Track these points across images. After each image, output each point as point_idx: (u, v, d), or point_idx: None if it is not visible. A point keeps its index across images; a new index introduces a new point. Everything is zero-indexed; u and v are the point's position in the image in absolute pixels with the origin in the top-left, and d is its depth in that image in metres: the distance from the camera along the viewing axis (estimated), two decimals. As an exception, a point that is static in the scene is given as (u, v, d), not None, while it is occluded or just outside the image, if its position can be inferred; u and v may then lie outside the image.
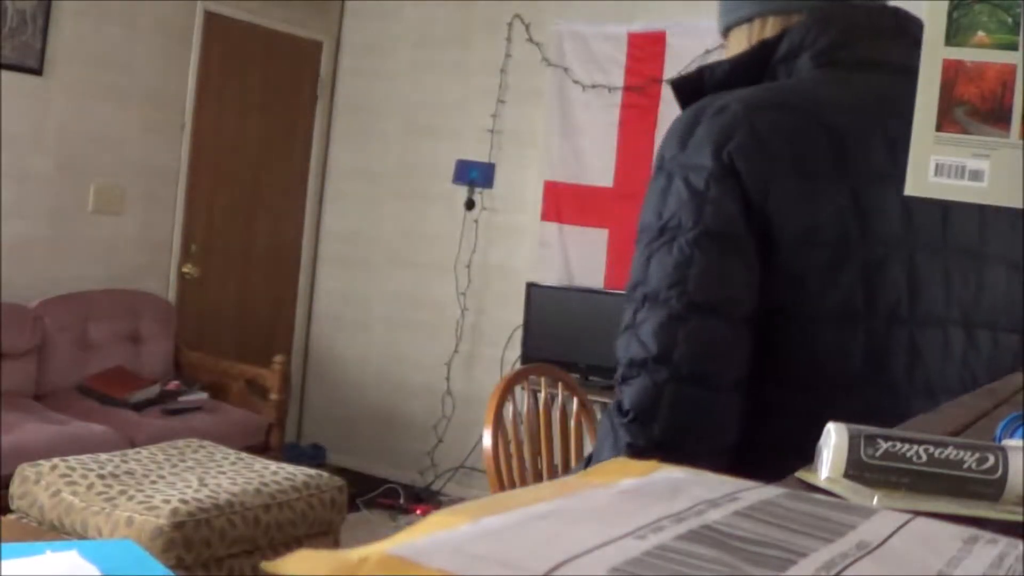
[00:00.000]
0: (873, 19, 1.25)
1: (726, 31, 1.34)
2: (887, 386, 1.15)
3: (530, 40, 5.17)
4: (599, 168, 4.99)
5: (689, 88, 1.25)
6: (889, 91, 1.09)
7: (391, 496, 5.14)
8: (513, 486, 2.45)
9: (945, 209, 1.19)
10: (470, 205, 5.30)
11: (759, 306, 1.13)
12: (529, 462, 2.61)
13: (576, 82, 5.02)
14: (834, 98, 1.19)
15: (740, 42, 1.31)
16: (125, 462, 3.42)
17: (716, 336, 1.10)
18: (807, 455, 1.10)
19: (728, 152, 1.11)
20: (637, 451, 1.10)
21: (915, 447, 0.62)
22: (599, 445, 1.17)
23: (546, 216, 5.11)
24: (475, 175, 5.31)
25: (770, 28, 1.28)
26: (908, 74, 0.94)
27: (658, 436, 1.10)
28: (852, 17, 1.24)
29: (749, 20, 1.29)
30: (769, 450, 1.09)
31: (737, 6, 1.30)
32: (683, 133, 1.16)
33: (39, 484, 3.26)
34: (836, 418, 1.14)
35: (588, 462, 1.25)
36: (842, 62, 1.21)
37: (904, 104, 0.94)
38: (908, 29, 1.22)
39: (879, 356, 1.15)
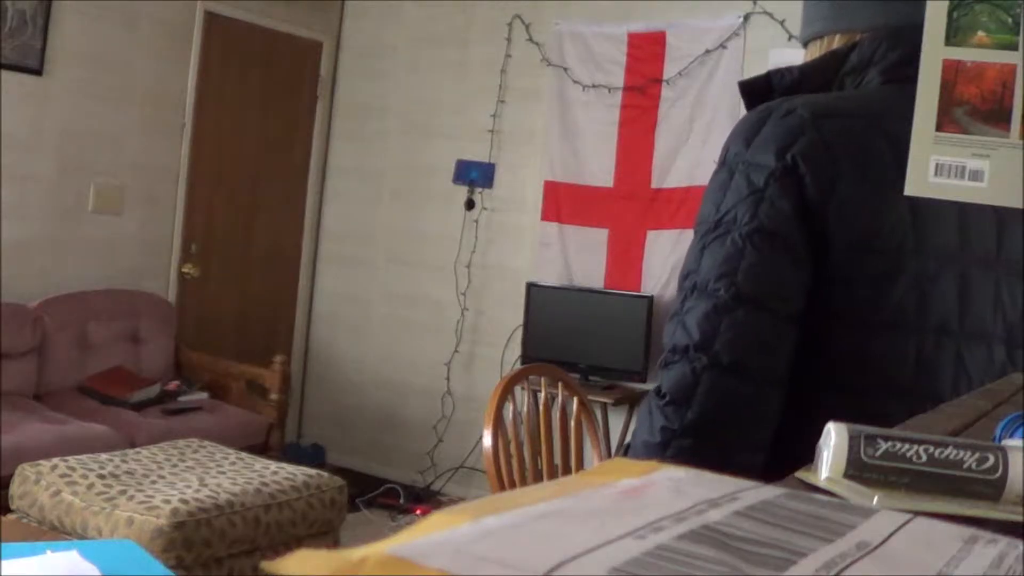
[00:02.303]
0: None
1: (805, 44, 1.37)
2: (932, 397, 1.16)
3: (530, 40, 5.17)
4: (599, 168, 4.99)
5: (757, 90, 1.28)
6: None
7: (391, 496, 5.14)
8: (513, 486, 2.45)
9: (1000, 224, 1.20)
10: (470, 205, 5.30)
11: (812, 308, 1.13)
12: (529, 462, 2.61)
13: (576, 82, 5.02)
14: (899, 110, 1.20)
15: (814, 55, 1.33)
16: (125, 462, 3.42)
17: (759, 330, 1.12)
18: None
19: (792, 155, 1.13)
20: (670, 434, 1.11)
21: (915, 447, 0.62)
22: (636, 428, 1.18)
23: (546, 216, 5.11)
24: (475, 175, 5.31)
25: (837, 44, 1.30)
26: None
27: (691, 421, 1.11)
28: (920, 35, 1.26)
29: (820, 36, 1.32)
30: (813, 454, 1.10)
31: (810, 21, 1.33)
32: (749, 132, 1.18)
33: (39, 484, 3.26)
34: (881, 425, 1.15)
35: (627, 450, 1.26)
36: (910, 78, 1.22)
37: None
38: None
39: (927, 367, 1.16)
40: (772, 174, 1.13)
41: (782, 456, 1.16)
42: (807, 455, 1.13)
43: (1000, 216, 1.20)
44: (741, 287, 1.11)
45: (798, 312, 1.13)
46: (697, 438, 1.11)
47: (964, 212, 1.12)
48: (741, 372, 1.11)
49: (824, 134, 1.15)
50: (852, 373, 1.16)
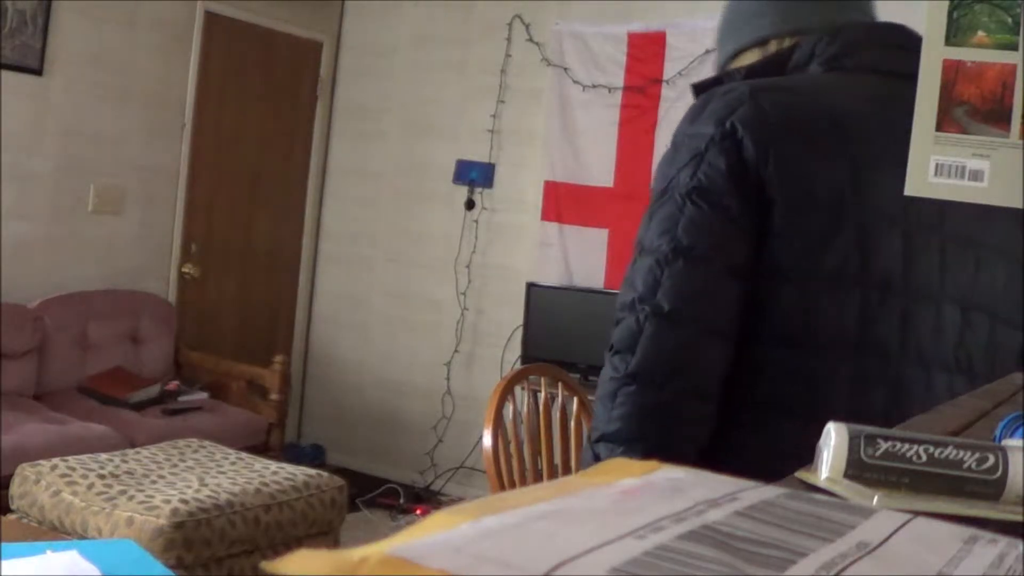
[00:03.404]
0: (879, 33, 1.33)
1: (737, 52, 1.40)
2: (879, 352, 1.20)
3: (530, 40, 5.17)
4: (599, 168, 4.99)
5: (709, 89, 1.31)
6: (890, 91, 1.18)
7: (391, 496, 5.14)
8: (513, 486, 2.45)
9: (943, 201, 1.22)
10: (470, 205, 5.31)
11: (758, 266, 1.17)
12: (529, 462, 2.61)
13: (576, 82, 5.02)
14: (837, 89, 1.27)
15: (752, 59, 1.38)
16: (125, 462, 3.42)
17: (699, 281, 1.16)
18: (798, 414, 1.13)
19: (731, 121, 1.18)
20: (617, 383, 1.16)
21: (915, 447, 0.62)
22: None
23: (546, 216, 5.11)
24: (475, 175, 5.31)
25: (786, 47, 1.36)
26: (909, 79, 1.03)
27: (634, 367, 1.15)
28: (859, 31, 1.32)
29: (765, 42, 1.36)
30: (763, 408, 1.14)
31: (756, 27, 1.37)
32: (694, 112, 1.24)
33: (39, 484, 3.26)
34: (828, 380, 1.17)
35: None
36: (847, 67, 1.29)
37: (904, 103, 1.02)
38: (910, 44, 1.27)
39: (872, 322, 1.19)
40: (711, 139, 1.18)
41: (737, 409, 1.19)
42: (753, 413, 1.16)
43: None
44: (680, 240, 1.16)
45: (738, 266, 1.17)
46: (640, 383, 1.15)
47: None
48: (680, 320, 1.15)
49: (762, 102, 1.20)
50: (795, 329, 1.19)
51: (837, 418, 0.64)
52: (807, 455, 0.59)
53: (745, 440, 1.19)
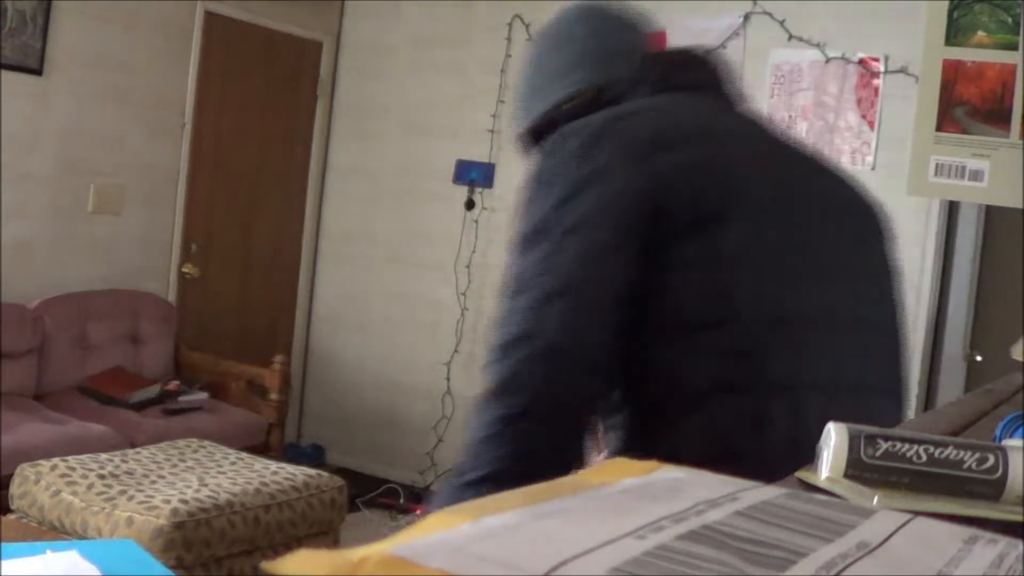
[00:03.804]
0: (687, 55, 1.43)
1: (548, 112, 1.40)
2: (764, 381, 1.19)
3: (530, 40, 5.16)
4: (599, 168, 4.98)
5: (539, 136, 1.34)
6: (723, 105, 1.31)
7: (391, 496, 5.14)
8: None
9: (822, 217, 1.29)
10: (470, 205, 5.30)
11: (636, 293, 1.17)
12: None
13: (576, 82, 5.02)
14: (684, 106, 1.31)
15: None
16: (125, 462, 3.42)
17: (584, 316, 1.15)
18: (675, 459, 1.13)
19: (600, 152, 1.18)
20: (505, 422, 1.14)
21: (915, 447, 0.62)
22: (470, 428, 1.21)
23: (546, 216, 5.10)
24: (475, 175, 5.31)
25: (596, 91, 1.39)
26: (723, 95, 1.25)
27: (524, 407, 1.13)
28: (673, 55, 1.43)
29: (575, 97, 1.38)
30: (642, 452, 1.15)
31: (569, 82, 1.39)
32: (554, 149, 1.23)
33: (39, 484, 3.26)
34: (711, 400, 1.17)
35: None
36: (678, 87, 1.34)
37: (744, 115, 1.24)
38: (710, 62, 1.40)
39: (755, 349, 1.19)
40: (584, 173, 1.18)
41: (637, 434, 1.20)
42: (658, 434, 1.16)
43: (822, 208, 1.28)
44: (562, 277, 1.15)
45: (623, 295, 1.16)
46: (524, 423, 1.13)
47: (784, 200, 1.20)
48: (567, 355, 1.14)
49: (623, 128, 1.21)
50: (661, 372, 1.19)
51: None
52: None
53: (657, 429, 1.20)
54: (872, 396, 1.26)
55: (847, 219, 1.35)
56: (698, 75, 1.38)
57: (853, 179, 1.41)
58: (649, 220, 1.15)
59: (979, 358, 4.35)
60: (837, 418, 0.66)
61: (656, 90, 1.33)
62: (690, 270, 1.17)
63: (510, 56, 5.22)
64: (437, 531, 0.34)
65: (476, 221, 5.29)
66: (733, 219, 1.18)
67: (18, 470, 3.34)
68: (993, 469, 0.62)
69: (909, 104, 3.98)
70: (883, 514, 0.44)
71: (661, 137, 1.20)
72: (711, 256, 1.17)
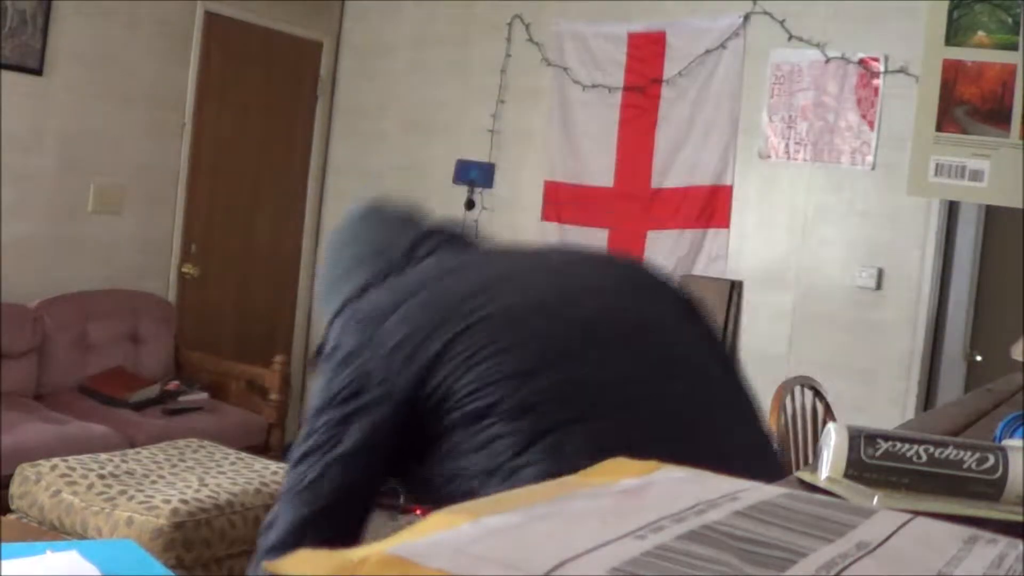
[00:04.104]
0: (443, 224, 1.55)
1: (344, 304, 1.48)
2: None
3: (530, 40, 5.17)
4: (599, 168, 4.99)
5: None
6: (488, 253, 1.49)
7: (391, 496, 5.13)
8: (513, 486, 2.45)
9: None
10: (470, 205, 5.30)
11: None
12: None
13: (576, 82, 5.02)
14: (457, 266, 1.41)
15: None
16: (125, 462, 3.42)
17: (354, 489, 1.32)
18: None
19: (375, 334, 1.29)
20: (299, 521, 1.29)
21: (915, 447, 0.62)
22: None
23: (546, 216, 5.11)
24: (475, 175, 5.31)
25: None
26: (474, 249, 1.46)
27: (309, 507, 1.29)
28: (440, 225, 1.54)
29: (368, 287, 1.46)
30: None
31: (358, 276, 1.49)
32: (339, 338, 1.33)
33: (39, 484, 3.26)
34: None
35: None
36: (446, 249, 1.47)
37: (512, 255, 1.45)
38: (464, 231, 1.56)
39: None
40: (363, 360, 1.28)
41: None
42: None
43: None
44: (345, 450, 1.28)
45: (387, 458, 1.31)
46: (322, 519, 1.29)
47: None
48: (351, 467, 1.30)
49: (397, 306, 1.31)
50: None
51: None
52: None
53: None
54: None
55: (638, 301, 1.42)
56: (461, 236, 1.51)
57: (637, 263, 1.57)
58: (419, 397, 1.26)
59: (979, 358, 4.35)
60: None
61: (429, 254, 1.46)
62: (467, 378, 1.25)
63: (510, 56, 5.22)
64: (437, 531, 0.34)
65: (476, 221, 5.29)
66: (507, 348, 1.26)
67: (18, 470, 3.34)
68: (993, 469, 0.62)
69: (909, 104, 3.98)
70: (883, 514, 0.44)
71: (445, 311, 1.29)
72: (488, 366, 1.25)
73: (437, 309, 1.29)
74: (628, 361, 1.30)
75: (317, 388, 1.33)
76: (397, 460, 1.32)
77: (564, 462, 1.15)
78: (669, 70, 4.84)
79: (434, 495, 1.29)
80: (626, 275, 1.48)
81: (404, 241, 1.48)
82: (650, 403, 1.27)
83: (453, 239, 1.49)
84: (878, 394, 4.36)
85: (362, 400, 1.27)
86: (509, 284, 1.34)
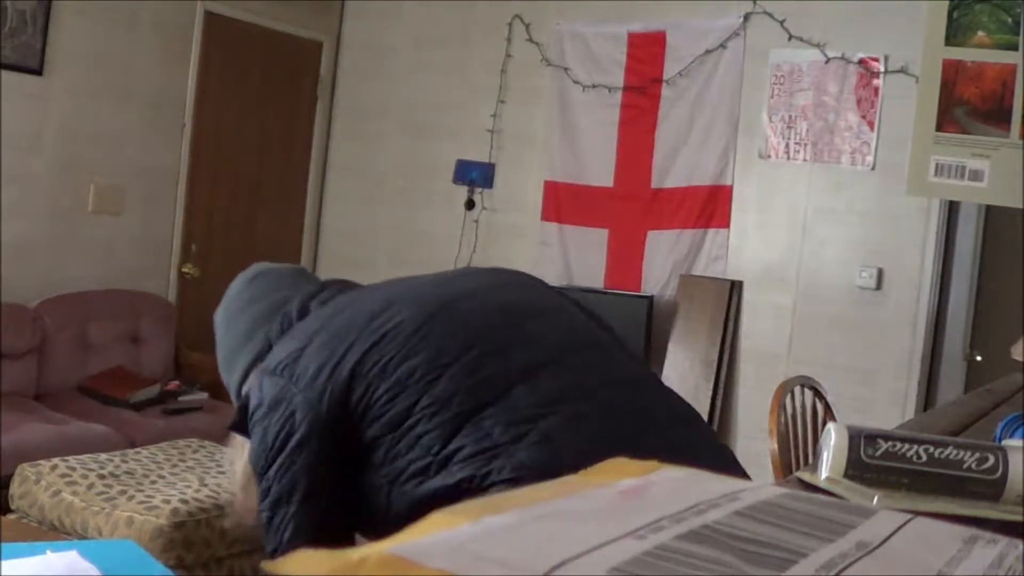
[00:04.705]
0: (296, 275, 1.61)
1: (247, 371, 1.54)
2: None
3: (530, 40, 5.17)
4: (599, 168, 4.99)
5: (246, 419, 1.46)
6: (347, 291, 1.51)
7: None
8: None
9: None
10: (470, 205, 5.31)
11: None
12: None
13: (576, 82, 5.02)
14: (341, 306, 1.45)
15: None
16: (125, 462, 3.42)
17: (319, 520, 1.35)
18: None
19: (293, 391, 1.34)
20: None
21: (915, 447, 0.62)
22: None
23: (546, 216, 5.11)
24: (475, 175, 5.31)
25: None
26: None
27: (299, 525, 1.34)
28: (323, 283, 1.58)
29: (269, 348, 1.50)
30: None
31: (256, 343, 1.53)
32: (259, 398, 1.38)
33: (39, 484, 3.25)
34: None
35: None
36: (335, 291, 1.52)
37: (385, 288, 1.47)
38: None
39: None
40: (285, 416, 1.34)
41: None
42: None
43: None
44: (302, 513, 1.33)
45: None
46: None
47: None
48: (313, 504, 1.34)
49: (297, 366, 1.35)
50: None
51: None
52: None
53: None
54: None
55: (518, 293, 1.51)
56: (339, 287, 1.55)
57: (508, 269, 1.66)
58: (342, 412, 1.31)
59: (979, 358, 4.35)
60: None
61: (320, 303, 1.50)
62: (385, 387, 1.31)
63: (510, 56, 5.22)
64: (437, 531, 0.34)
65: (476, 221, 5.29)
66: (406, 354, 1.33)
67: (18, 470, 3.33)
68: (993, 469, 0.62)
69: (909, 104, 3.98)
70: (883, 514, 0.44)
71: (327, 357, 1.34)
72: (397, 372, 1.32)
73: (344, 333, 1.35)
74: (528, 342, 1.38)
75: (255, 447, 1.37)
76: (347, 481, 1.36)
77: (487, 440, 1.23)
78: (669, 70, 4.84)
79: (381, 509, 1.33)
80: (503, 275, 1.59)
81: (300, 295, 1.52)
82: (553, 376, 1.34)
83: (346, 286, 1.54)
84: (878, 394, 4.36)
85: (296, 438, 1.31)
86: (406, 299, 1.40)
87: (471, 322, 1.38)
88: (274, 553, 1.34)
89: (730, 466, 1.38)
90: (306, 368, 1.33)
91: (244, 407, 1.45)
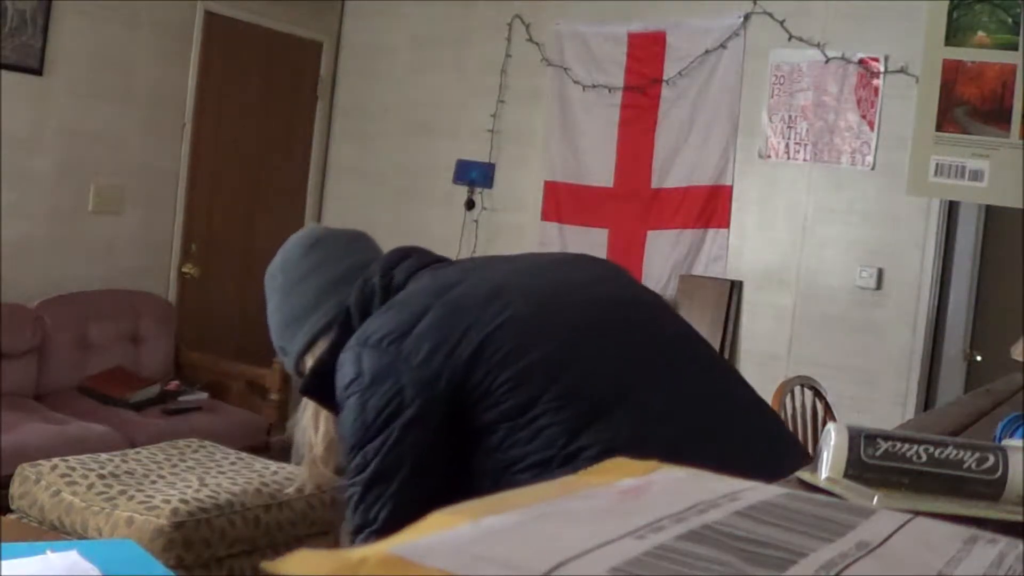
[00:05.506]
0: (402, 251, 1.53)
1: (310, 344, 1.51)
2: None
3: (530, 40, 5.17)
4: (599, 168, 4.99)
5: (321, 385, 1.42)
6: (447, 270, 1.44)
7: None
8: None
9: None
10: (470, 205, 5.30)
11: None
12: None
13: (576, 82, 5.02)
14: (446, 281, 1.41)
15: (324, 349, 1.47)
16: (125, 462, 3.42)
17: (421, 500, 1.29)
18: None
19: (398, 368, 1.31)
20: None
21: (915, 447, 0.62)
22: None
23: (546, 216, 5.10)
24: (475, 175, 5.31)
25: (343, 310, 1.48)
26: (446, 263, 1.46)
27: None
28: (397, 253, 1.52)
29: (331, 326, 1.47)
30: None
31: (322, 315, 1.51)
32: (352, 374, 1.33)
33: (39, 484, 3.26)
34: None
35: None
36: (421, 268, 1.47)
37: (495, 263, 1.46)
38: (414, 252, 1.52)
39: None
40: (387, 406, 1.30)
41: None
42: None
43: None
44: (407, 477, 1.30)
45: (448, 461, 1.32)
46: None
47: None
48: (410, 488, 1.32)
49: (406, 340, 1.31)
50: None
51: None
52: None
53: None
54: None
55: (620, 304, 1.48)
56: (420, 257, 1.51)
57: (603, 260, 1.64)
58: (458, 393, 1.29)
59: (979, 358, 4.35)
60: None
61: (406, 279, 1.45)
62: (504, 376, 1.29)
63: (510, 56, 5.22)
64: (437, 531, 0.34)
65: (476, 221, 5.29)
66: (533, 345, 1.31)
67: (18, 470, 3.33)
68: (993, 469, 0.62)
69: (909, 104, 3.98)
70: (883, 514, 0.44)
71: (447, 331, 1.32)
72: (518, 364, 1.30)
73: (458, 316, 1.32)
74: (646, 340, 1.39)
75: (348, 420, 1.33)
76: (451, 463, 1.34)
77: (614, 442, 1.23)
78: (669, 70, 4.84)
79: (487, 494, 1.28)
80: (605, 268, 1.57)
81: (379, 263, 1.49)
82: (671, 377, 1.35)
83: (425, 255, 1.51)
84: (878, 394, 4.36)
85: (405, 416, 1.29)
86: (518, 287, 1.38)
87: (588, 316, 1.38)
88: (359, 529, 1.32)
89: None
90: (418, 347, 1.30)
91: (319, 372, 1.42)
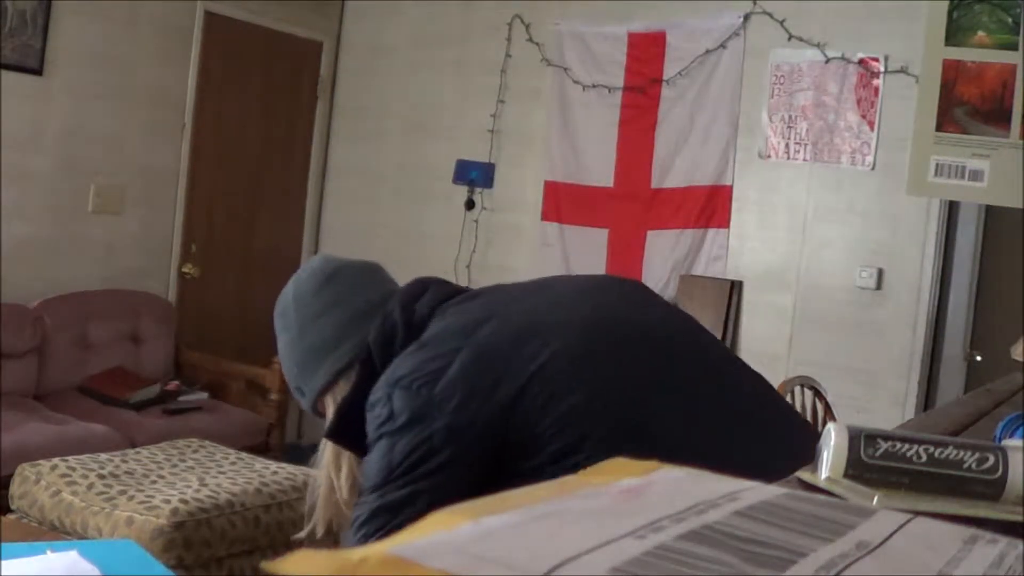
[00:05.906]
0: (421, 284, 1.48)
1: (329, 383, 1.48)
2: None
3: (530, 40, 5.17)
4: (599, 168, 4.99)
5: (350, 430, 1.38)
6: (472, 298, 1.41)
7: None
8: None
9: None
10: (470, 205, 5.30)
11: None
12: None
13: (576, 82, 5.02)
14: (477, 314, 1.36)
15: (344, 389, 1.44)
16: (125, 462, 3.42)
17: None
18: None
19: (436, 400, 1.27)
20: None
21: (915, 447, 0.62)
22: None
23: (546, 216, 5.10)
24: (475, 175, 5.31)
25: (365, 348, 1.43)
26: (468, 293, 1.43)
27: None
28: (416, 286, 1.47)
29: (352, 364, 1.44)
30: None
31: (340, 355, 1.47)
32: (387, 415, 1.29)
33: (39, 484, 3.25)
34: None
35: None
36: (439, 305, 1.42)
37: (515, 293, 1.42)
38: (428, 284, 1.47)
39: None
40: (428, 440, 1.26)
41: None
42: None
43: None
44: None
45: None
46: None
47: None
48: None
49: (433, 374, 1.28)
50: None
51: None
52: None
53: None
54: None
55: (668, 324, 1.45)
56: (438, 288, 1.46)
57: (630, 280, 1.61)
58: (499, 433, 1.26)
59: (979, 358, 4.35)
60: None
61: (431, 312, 1.40)
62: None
63: (510, 56, 5.22)
64: (437, 531, 0.34)
65: (476, 221, 5.29)
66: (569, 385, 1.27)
67: (18, 470, 3.33)
68: (993, 469, 0.62)
69: (909, 104, 3.98)
70: (883, 514, 0.44)
71: (475, 370, 1.28)
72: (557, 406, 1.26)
73: (490, 359, 1.28)
74: (683, 372, 1.35)
75: (374, 459, 1.29)
76: None
77: None
78: (669, 70, 4.84)
79: None
80: (635, 291, 1.52)
81: (397, 299, 1.44)
82: (714, 407, 1.32)
83: (444, 286, 1.47)
84: (878, 394, 4.36)
85: (432, 463, 1.25)
86: (551, 325, 1.33)
87: (626, 352, 1.33)
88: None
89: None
90: (451, 393, 1.26)
91: (343, 415, 1.38)
